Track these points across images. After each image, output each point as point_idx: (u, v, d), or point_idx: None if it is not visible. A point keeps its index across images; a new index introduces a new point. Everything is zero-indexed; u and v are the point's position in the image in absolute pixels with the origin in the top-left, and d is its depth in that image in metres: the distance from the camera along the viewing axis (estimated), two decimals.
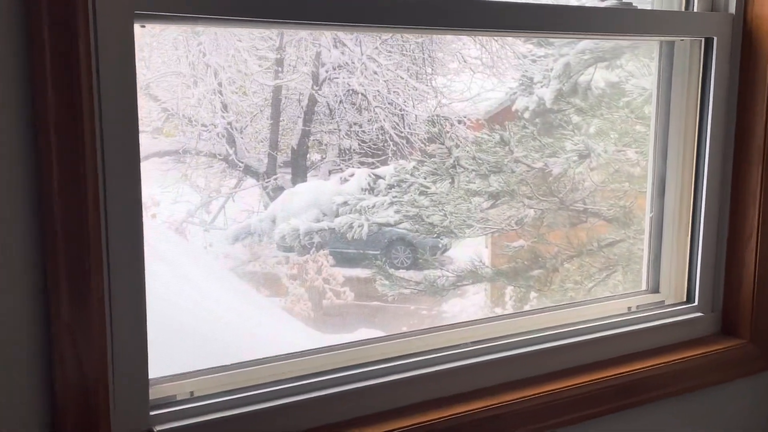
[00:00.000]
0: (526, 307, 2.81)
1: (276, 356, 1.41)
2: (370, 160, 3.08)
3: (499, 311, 3.01)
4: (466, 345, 1.59)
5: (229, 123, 2.80)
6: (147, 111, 2.32)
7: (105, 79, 1.09)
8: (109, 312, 1.14)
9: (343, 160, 3.05)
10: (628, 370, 1.65)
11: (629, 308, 1.84)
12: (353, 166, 2.99)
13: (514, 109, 3.03)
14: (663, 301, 1.89)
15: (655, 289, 1.88)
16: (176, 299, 2.17)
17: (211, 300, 2.35)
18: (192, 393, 1.29)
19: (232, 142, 2.82)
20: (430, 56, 3.00)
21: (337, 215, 2.74)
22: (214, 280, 2.61)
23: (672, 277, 1.87)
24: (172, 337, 1.67)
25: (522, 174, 2.68)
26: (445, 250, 2.99)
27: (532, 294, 2.92)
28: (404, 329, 1.81)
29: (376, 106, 3.01)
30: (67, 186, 1.05)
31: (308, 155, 3.04)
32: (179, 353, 1.58)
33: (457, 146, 2.66)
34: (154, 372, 1.22)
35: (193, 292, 2.34)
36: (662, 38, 1.77)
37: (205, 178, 2.94)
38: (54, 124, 1.03)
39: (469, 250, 2.88)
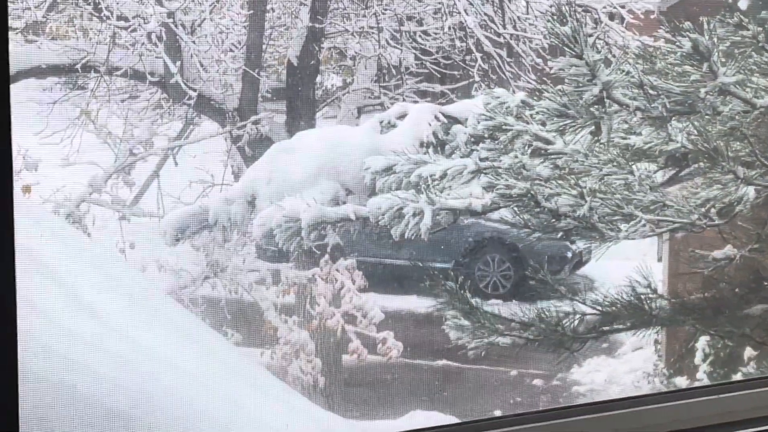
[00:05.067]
0: (737, 376, 2.78)
1: None
2: (438, 87, 3.08)
3: (683, 383, 3.00)
4: None
5: (171, 14, 2.82)
6: None
7: None
8: None
9: (385, 87, 3.06)
10: None
11: None
12: (405, 99, 3.00)
13: None
14: None
15: None
16: (68, 349, 2.18)
17: (135, 348, 2.36)
18: None
19: (175, 50, 2.83)
20: None
21: (372, 193, 2.73)
22: (139, 312, 2.62)
23: None
24: (67, 410, 1.70)
25: (734, 118, 2.64)
26: (581, 264, 2.98)
27: (748, 351, 2.89)
28: (498, 412, 1.79)
29: None
30: None
31: (319, 77, 3.05)
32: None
33: (608, 62, 2.63)
34: None
35: (101, 332, 2.35)
36: None
37: (123, 119, 2.97)
38: None
39: (625, 265, 2.85)
